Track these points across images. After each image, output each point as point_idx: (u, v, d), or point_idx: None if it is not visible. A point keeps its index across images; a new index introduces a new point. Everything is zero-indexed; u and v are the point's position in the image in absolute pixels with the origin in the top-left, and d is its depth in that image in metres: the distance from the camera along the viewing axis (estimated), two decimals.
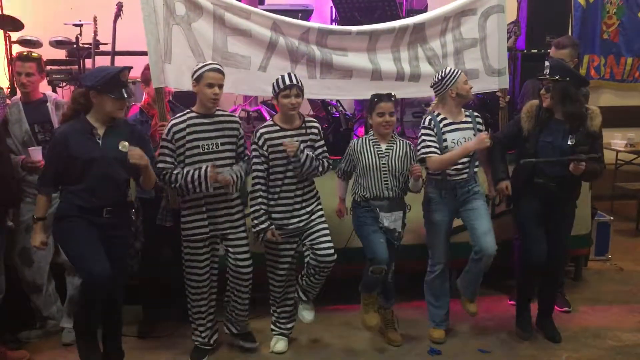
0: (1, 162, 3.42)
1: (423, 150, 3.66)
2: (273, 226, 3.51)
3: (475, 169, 3.80)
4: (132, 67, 3.29)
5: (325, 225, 3.62)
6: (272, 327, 3.83)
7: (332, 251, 3.55)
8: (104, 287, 3.09)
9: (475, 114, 3.83)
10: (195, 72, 3.36)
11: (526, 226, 3.78)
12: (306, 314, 3.75)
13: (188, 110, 3.45)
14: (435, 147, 3.65)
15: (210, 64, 3.39)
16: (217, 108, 3.47)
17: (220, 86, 3.37)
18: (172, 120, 3.42)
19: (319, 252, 3.53)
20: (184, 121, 3.38)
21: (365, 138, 3.72)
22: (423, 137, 3.69)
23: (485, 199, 3.91)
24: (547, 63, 3.59)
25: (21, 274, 3.79)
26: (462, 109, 3.80)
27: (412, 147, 3.74)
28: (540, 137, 3.62)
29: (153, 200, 3.73)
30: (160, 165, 3.39)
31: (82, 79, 3.24)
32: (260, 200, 3.51)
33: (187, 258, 3.50)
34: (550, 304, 3.95)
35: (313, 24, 4.11)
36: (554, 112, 3.62)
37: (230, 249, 3.52)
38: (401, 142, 3.73)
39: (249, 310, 3.71)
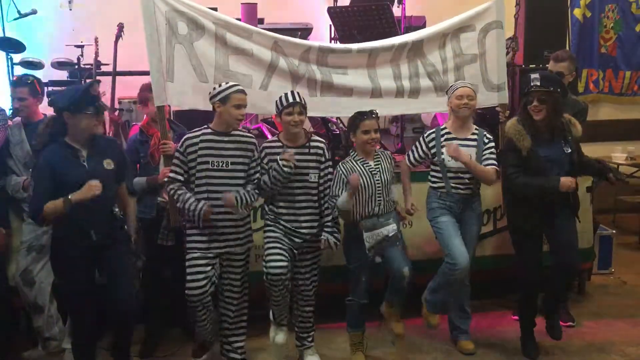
0: None
1: (407, 153, 3.89)
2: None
3: (479, 185, 3.81)
4: (99, 81, 3.29)
5: (316, 266, 3.69)
6: (271, 318, 3.75)
7: (311, 289, 3.69)
8: (92, 340, 3.25)
9: (486, 133, 3.81)
10: (219, 92, 3.39)
11: (523, 248, 3.77)
12: (311, 358, 3.77)
13: (205, 126, 3.50)
14: (414, 158, 3.85)
15: (234, 85, 3.45)
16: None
17: (245, 106, 3.44)
18: (188, 133, 3.49)
19: (302, 277, 3.66)
20: (198, 136, 3.44)
21: (351, 159, 3.65)
22: (416, 143, 3.88)
23: (480, 221, 3.95)
24: (535, 75, 3.58)
25: (23, 295, 3.78)
26: (472, 126, 3.81)
27: (393, 158, 3.79)
28: (537, 152, 3.58)
29: (154, 219, 3.73)
30: (171, 175, 3.44)
31: (53, 102, 3.20)
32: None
33: (188, 276, 3.45)
34: (558, 296, 3.86)
35: (314, 43, 4.14)
36: (539, 125, 3.60)
37: (228, 267, 3.53)
38: (383, 154, 3.74)
39: (245, 334, 3.69)
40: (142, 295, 3.80)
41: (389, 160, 3.73)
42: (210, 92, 3.46)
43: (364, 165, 3.63)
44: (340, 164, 3.69)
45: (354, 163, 3.64)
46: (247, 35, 3.90)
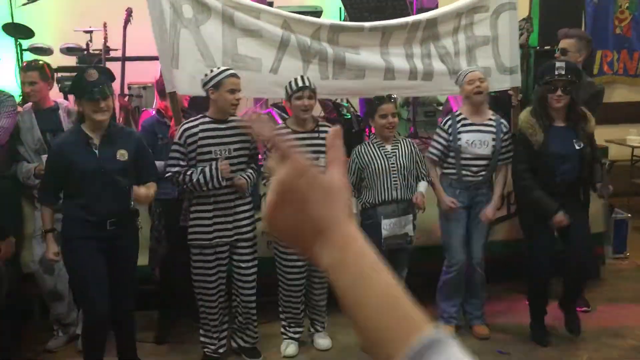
0: None
1: (429, 149, 3.79)
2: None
3: (491, 174, 3.77)
4: (105, 67, 3.28)
5: None
6: (282, 330, 3.80)
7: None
8: (102, 324, 3.15)
9: (503, 121, 3.77)
10: (212, 79, 3.31)
11: (533, 234, 3.73)
12: (322, 341, 3.79)
13: (201, 115, 3.42)
14: (437, 150, 3.74)
15: (226, 69, 3.37)
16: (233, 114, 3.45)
17: (239, 90, 3.36)
18: (184, 124, 3.39)
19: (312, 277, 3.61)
20: (197, 126, 3.36)
21: (368, 142, 3.66)
22: (434, 137, 3.77)
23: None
24: (561, 64, 3.50)
25: (42, 283, 3.77)
26: (488, 111, 3.76)
27: (415, 146, 3.73)
28: (549, 147, 3.52)
29: (175, 200, 3.68)
30: (173, 169, 3.36)
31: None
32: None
33: (195, 265, 3.46)
34: (573, 296, 3.84)
35: (325, 20, 4.09)
36: (553, 117, 3.54)
37: (235, 257, 3.50)
38: (404, 140, 3.71)
39: (256, 320, 3.67)
40: (159, 279, 3.79)
41: (410, 147, 3.68)
42: (202, 79, 3.37)
43: (380, 149, 3.60)
44: (355, 149, 3.66)
45: (369, 146, 3.61)
46: (256, 15, 3.82)
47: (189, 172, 3.34)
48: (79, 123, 3.13)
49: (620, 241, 5.11)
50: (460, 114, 3.76)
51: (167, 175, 3.37)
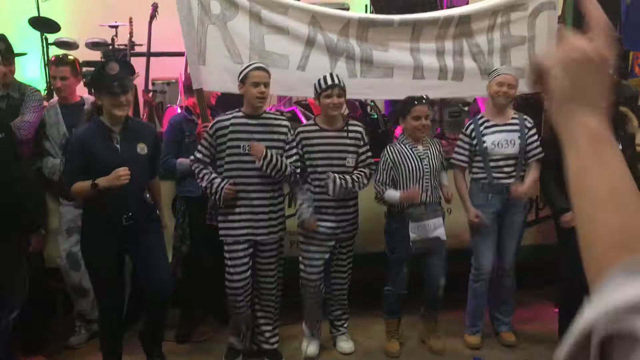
0: (11, 188, 3.09)
1: (453, 155, 3.72)
2: (313, 215, 3.43)
3: (522, 173, 3.67)
4: (126, 61, 3.22)
5: (351, 248, 3.65)
6: (304, 328, 3.75)
7: (346, 274, 3.66)
8: (119, 327, 3.23)
9: (525, 117, 3.68)
10: (241, 73, 3.30)
11: (568, 235, 3.59)
12: (344, 344, 3.75)
13: (236, 110, 3.40)
14: (463, 156, 3.66)
15: (254, 63, 3.35)
16: (266, 111, 3.43)
17: (267, 84, 3.30)
18: (218, 117, 3.39)
19: (335, 269, 3.63)
20: (229, 119, 3.34)
21: (399, 143, 3.59)
22: (458, 142, 3.70)
23: (525, 211, 3.83)
24: None
25: (68, 278, 3.76)
26: (511, 111, 3.67)
27: (440, 145, 3.70)
28: None
29: (200, 198, 3.64)
30: (197, 155, 3.35)
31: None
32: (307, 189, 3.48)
33: (228, 263, 3.41)
34: None
35: (353, 14, 4.01)
36: None
37: (260, 255, 3.44)
38: (433, 141, 3.66)
39: (278, 321, 3.62)
40: (181, 278, 3.77)
41: (438, 147, 3.62)
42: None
43: (413, 149, 3.53)
44: (387, 147, 3.61)
45: (402, 146, 3.54)
46: (284, 11, 3.77)
47: (204, 171, 3.32)
48: (98, 116, 3.10)
49: None
50: (482, 116, 3.69)
51: (190, 158, 3.39)
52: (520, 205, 3.70)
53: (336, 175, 3.39)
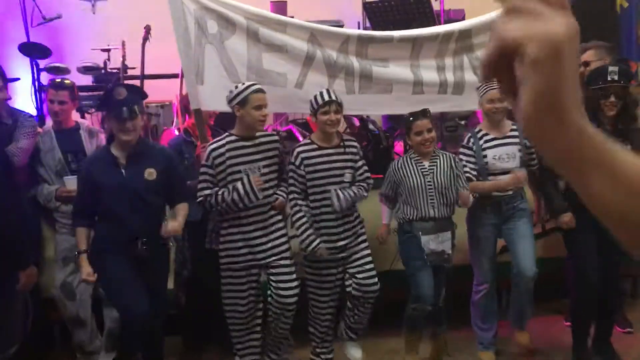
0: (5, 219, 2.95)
1: (465, 174, 3.62)
2: (321, 244, 3.35)
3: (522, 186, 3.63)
4: (135, 86, 3.18)
5: (368, 252, 3.49)
6: (312, 356, 3.64)
7: (375, 280, 3.44)
8: (144, 325, 2.98)
9: None
10: (237, 95, 3.21)
11: (576, 246, 3.55)
12: (354, 351, 3.62)
13: (227, 133, 3.31)
14: (470, 169, 3.59)
15: (252, 84, 3.27)
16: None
17: (266, 106, 3.25)
18: (210, 144, 3.28)
19: (362, 282, 3.41)
20: (223, 145, 3.25)
21: (406, 157, 3.58)
22: (461, 157, 3.64)
23: (530, 217, 3.75)
24: (614, 68, 3.34)
25: (64, 309, 3.65)
26: (508, 122, 3.63)
27: (456, 160, 3.58)
28: None
29: (199, 223, 3.57)
30: (205, 192, 3.24)
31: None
32: (304, 221, 3.36)
33: (226, 289, 3.33)
34: (608, 325, 3.66)
35: (353, 31, 3.98)
36: (603, 122, 3.39)
37: (273, 277, 3.34)
38: (444, 155, 3.58)
39: (290, 339, 3.54)
40: (184, 304, 3.67)
41: (449, 162, 3.53)
42: (227, 96, 3.26)
43: (417, 165, 3.49)
44: (393, 162, 3.61)
45: (407, 162, 3.52)
46: (282, 29, 3.72)
47: (220, 192, 3.22)
48: (108, 142, 3.09)
49: None
50: (480, 130, 3.64)
51: (199, 199, 3.26)
52: (518, 209, 3.61)
53: (337, 189, 3.34)
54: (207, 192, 3.23)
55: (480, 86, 3.62)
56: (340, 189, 3.35)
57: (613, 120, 3.38)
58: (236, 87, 3.26)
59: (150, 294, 3.04)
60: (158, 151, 3.21)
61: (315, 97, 3.35)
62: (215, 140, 3.30)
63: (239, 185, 3.17)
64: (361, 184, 3.45)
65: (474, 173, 3.61)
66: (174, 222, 3.14)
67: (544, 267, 4.21)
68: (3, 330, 2.96)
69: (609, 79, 3.31)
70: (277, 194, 3.32)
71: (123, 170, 3.01)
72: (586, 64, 4.01)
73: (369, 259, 3.47)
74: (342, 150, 3.43)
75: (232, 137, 3.27)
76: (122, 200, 2.98)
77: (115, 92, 2.93)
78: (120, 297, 3.04)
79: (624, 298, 4.24)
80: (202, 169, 3.26)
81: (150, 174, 3.03)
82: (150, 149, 3.18)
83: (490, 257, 3.62)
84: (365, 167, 3.52)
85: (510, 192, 3.56)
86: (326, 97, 3.32)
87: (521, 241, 3.54)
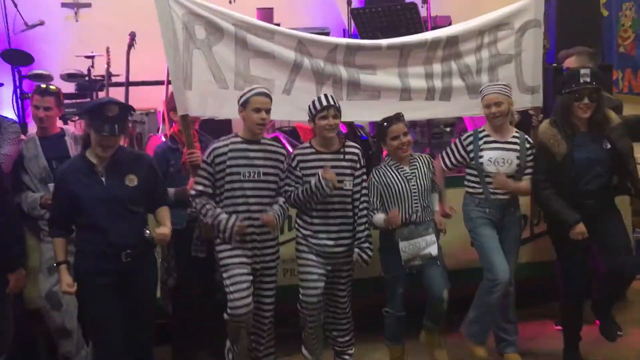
0: None
1: (442, 154, 3.70)
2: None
3: None
4: (129, 107, 3.10)
5: (348, 280, 3.52)
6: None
7: (345, 307, 3.53)
8: None
9: (527, 137, 3.66)
10: (242, 97, 3.25)
11: (566, 252, 3.55)
12: None
13: (233, 134, 3.33)
14: (450, 160, 3.65)
15: (256, 87, 3.29)
16: (264, 137, 3.36)
17: (268, 111, 3.25)
18: (215, 143, 3.30)
19: (329, 308, 3.53)
20: (227, 145, 3.26)
21: (385, 165, 3.54)
22: (451, 145, 3.69)
23: (521, 226, 3.77)
24: (585, 70, 3.37)
25: (49, 319, 3.56)
26: (512, 128, 3.65)
27: (430, 160, 3.63)
28: (574, 155, 3.39)
29: (184, 231, 3.53)
30: (198, 187, 3.24)
31: (79, 106, 3.09)
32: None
33: (229, 289, 3.23)
34: (612, 297, 3.62)
35: (341, 40, 3.97)
36: (577, 124, 3.42)
37: (261, 279, 3.33)
38: (421, 157, 3.60)
39: (273, 353, 3.51)
40: (171, 313, 3.60)
41: (427, 164, 3.57)
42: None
43: (399, 170, 3.48)
44: (373, 170, 3.55)
45: (388, 169, 3.50)
46: (269, 36, 3.70)
47: (207, 206, 3.22)
48: (84, 149, 2.99)
49: None
50: (483, 130, 3.65)
51: (191, 192, 3.27)
52: (514, 220, 3.65)
53: (356, 252, 3.38)
54: (200, 188, 3.23)
55: (481, 89, 3.64)
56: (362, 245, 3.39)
57: (587, 122, 3.41)
58: (245, 89, 3.31)
59: (133, 314, 2.99)
60: (137, 157, 3.15)
61: (313, 102, 3.36)
62: (220, 139, 3.32)
63: (222, 217, 3.19)
64: (362, 211, 3.42)
65: (449, 165, 3.65)
66: (163, 227, 3.08)
67: (533, 271, 4.26)
68: None
69: (581, 81, 3.35)
70: (272, 208, 3.28)
71: (103, 179, 2.94)
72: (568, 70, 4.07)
73: (350, 277, 3.52)
74: (341, 156, 3.41)
75: (237, 139, 3.29)
76: (103, 210, 2.89)
77: (106, 108, 2.86)
78: (97, 336, 3.05)
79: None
80: (203, 165, 3.28)
81: (131, 180, 2.96)
82: (129, 154, 3.11)
83: (500, 252, 3.50)
84: (364, 177, 3.49)
85: (508, 197, 3.57)
86: (324, 102, 3.32)
87: (508, 256, 3.52)
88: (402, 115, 3.49)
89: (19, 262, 3.25)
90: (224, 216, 3.19)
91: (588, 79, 3.33)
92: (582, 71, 3.37)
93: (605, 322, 3.63)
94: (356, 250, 3.39)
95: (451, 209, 3.62)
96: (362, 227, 3.42)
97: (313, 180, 3.29)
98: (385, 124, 3.46)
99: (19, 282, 3.23)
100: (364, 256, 3.38)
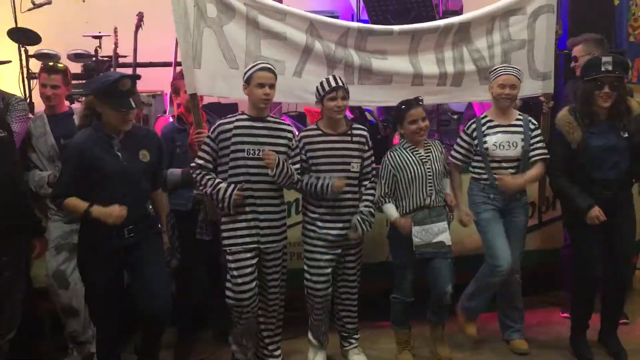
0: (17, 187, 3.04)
1: (451, 153, 3.65)
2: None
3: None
4: (137, 76, 3.06)
5: (356, 264, 3.51)
6: (310, 338, 3.60)
7: (353, 286, 3.52)
8: (114, 345, 3.09)
9: (530, 119, 3.63)
10: (246, 73, 3.21)
11: (581, 240, 3.51)
12: (358, 358, 3.59)
13: (239, 112, 3.30)
14: (460, 155, 3.61)
15: (259, 63, 3.24)
16: (271, 115, 3.32)
17: (272, 86, 3.20)
18: (220, 119, 3.27)
19: (337, 289, 3.51)
20: (232, 122, 3.23)
21: (400, 148, 3.51)
22: (457, 140, 3.65)
23: (526, 211, 3.73)
24: (608, 58, 3.32)
25: (56, 298, 3.54)
26: (515, 111, 3.61)
27: (442, 146, 3.62)
28: (589, 144, 3.36)
29: (190, 212, 3.51)
30: (199, 161, 3.22)
31: (85, 85, 3.05)
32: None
33: (234, 273, 3.24)
34: (615, 316, 3.66)
35: (352, 23, 3.93)
36: (598, 113, 3.39)
37: (265, 263, 3.30)
38: (434, 143, 3.59)
39: (280, 334, 3.50)
40: (175, 295, 3.58)
41: (440, 149, 3.55)
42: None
43: (414, 153, 3.46)
44: (388, 152, 3.53)
45: (403, 151, 3.47)
46: (281, 17, 3.67)
47: (207, 177, 3.20)
48: (97, 120, 2.94)
49: None
50: (485, 116, 3.63)
51: (191, 165, 3.25)
52: (521, 206, 3.62)
53: (357, 218, 3.33)
54: (201, 162, 3.22)
55: (493, 70, 3.59)
56: (358, 218, 3.35)
57: (608, 111, 3.37)
58: (239, 68, 3.29)
59: (150, 285, 2.99)
60: (147, 133, 3.15)
61: (321, 83, 3.32)
62: (226, 116, 3.29)
63: (222, 187, 3.15)
64: (367, 198, 3.40)
65: (461, 158, 3.61)
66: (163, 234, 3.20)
67: (541, 259, 4.24)
68: (7, 306, 2.89)
69: (602, 69, 3.29)
70: (281, 159, 3.20)
71: (119, 153, 2.92)
72: (575, 59, 4.05)
73: (360, 261, 3.51)
74: (348, 138, 3.38)
75: (243, 116, 3.25)
76: (117, 184, 2.87)
77: (120, 83, 2.83)
78: (97, 321, 3.07)
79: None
80: (206, 140, 3.25)
81: (144, 155, 2.96)
82: (140, 130, 3.11)
83: (503, 237, 3.50)
84: (372, 159, 3.47)
85: None
86: (333, 83, 3.29)
87: (514, 243, 3.53)
88: (422, 100, 3.47)
89: (42, 228, 3.28)
90: (223, 185, 3.16)
91: (610, 67, 3.27)
92: (604, 59, 3.31)
93: (613, 343, 3.61)
94: (357, 217, 3.34)
95: (468, 216, 3.58)
96: (366, 203, 3.39)
97: (320, 182, 3.26)
98: (404, 107, 3.44)
99: (43, 247, 3.28)
100: (360, 228, 3.33)
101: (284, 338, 3.58)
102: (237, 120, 3.23)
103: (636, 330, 3.94)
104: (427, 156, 3.46)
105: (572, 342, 3.67)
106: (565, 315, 4.02)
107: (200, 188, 3.23)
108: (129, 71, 4.81)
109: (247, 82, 3.20)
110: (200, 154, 3.24)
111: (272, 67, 3.24)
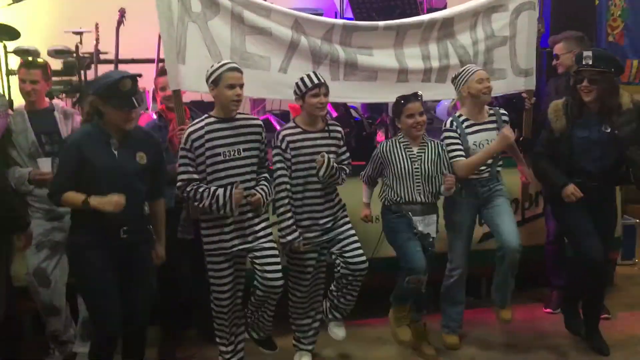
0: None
1: (450, 155, 3.55)
2: (301, 237, 3.29)
3: (498, 168, 3.65)
4: (139, 75, 3.01)
5: (353, 232, 3.44)
6: (295, 342, 3.60)
7: (363, 257, 3.38)
8: (113, 341, 2.95)
9: (502, 111, 3.68)
10: (212, 73, 3.10)
11: (575, 223, 3.52)
12: (337, 330, 3.56)
13: (206, 115, 3.21)
14: (460, 151, 3.53)
15: (226, 63, 3.15)
16: (239, 112, 3.24)
17: (241, 86, 3.14)
18: (189, 127, 3.17)
19: (350, 260, 3.35)
20: (202, 127, 3.13)
21: (395, 140, 3.54)
22: (446, 141, 3.58)
23: (507, 197, 3.73)
24: (588, 53, 3.38)
25: (37, 296, 3.48)
26: (487, 108, 3.64)
27: (444, 148, 3.56)
28: (573, 134, 3.42)
29: (172, 210, 3.47)
30: (183, 177, 3.13)
31: (88, 84, 3.01)
32: (288, 209, 3.30)
33: (210, 275, 3.24)
34: (596, 313, 3.71)
35: (337, 20, 3.93)
36: (589, 107, 3.42)
37: (257, 261, 3.23)
38: (432, 143, 3.56)
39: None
40: (158, 294, 3.54)
41: (437, 150, 3.53)
42: (205, 76, 3.16)
43: (406, 150, 3.48)
44: (381, 144, 3.56)
45: (396, 145, 3.50)
46: (266, 14, 3.65)
47: (200, 189, 3.11)
48: (98, 118, 2.90)
49: (629, 247, 5.05)
50: (461, 115, 3.63)
51: (177, 184, 3.15)
52: (498, 189, 3.62)
53: (324, 154, 3.28)
54: (186, 177, 3.13)
55: (461, 72, 3.59)
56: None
57: (598, 105, 3.40)
58: (212, 66, 3.17)
59: (133, 288, 2.96)
60: (147, 136, 3.09)
61: (302, 80, 3.29)
62: (193, 122, 3.19)
63: (219, 192, 3.08)
64: (343, 167, 3.40)
65: (462, 154, 3.57)
66: (159, 246, 3.15)
67: (524, 255, 4.24)
68: None
69: (583, 63, 3.36)
70: (255, 189, 3.18)
71: (116, 152, 2.88)
72: (557, 56, 4.10)
73: (355, 237, 3.41)
74: (326, 134, 3.38)
75: (211, 119, 3.16)
76: (111, 183, 2.82)
77: (120, 84, 2.80)
78: (95, 309, 2.96)
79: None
80: (181, 152, 3.15)
81: (142, 157, 2.92)
82: (140, 132, 3.05)
83: (465, 242, 3.62)
84: (347, 154, 3.48)
85: (486, 175, 3.57)
86: (315, 80, 3.27)
87: (502, 217, 3.54)
88: (421, 95, 3.49)
89: (26, 222, 3.24)
90: (220, 191, 3.09)
91: (590, 62, 3.33)
92: (585, 53, 3.38)
93: (596, 338, 3.66)
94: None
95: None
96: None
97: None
98: (402, 101, 3.45)
99: (29, 240, 3.27)
100: (327, 162, 3.25)
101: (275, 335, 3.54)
102: (206, 124, 3.13)
103: (617, 325, 3.99)
104: (418, 156, 3.47)
105: (565, 313, 3.73)
106: (548, 310, 4.06)
107: (196, 204, 3.14)
108: (110, 68, 4.77)
109: (215, 83, 3.10)
110: (180, 169, 3.14)
111: (239, 67, 3.18)
